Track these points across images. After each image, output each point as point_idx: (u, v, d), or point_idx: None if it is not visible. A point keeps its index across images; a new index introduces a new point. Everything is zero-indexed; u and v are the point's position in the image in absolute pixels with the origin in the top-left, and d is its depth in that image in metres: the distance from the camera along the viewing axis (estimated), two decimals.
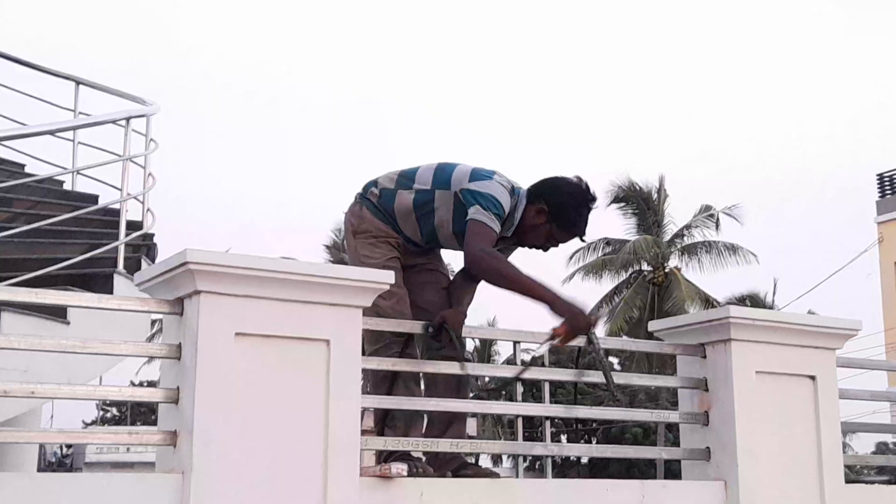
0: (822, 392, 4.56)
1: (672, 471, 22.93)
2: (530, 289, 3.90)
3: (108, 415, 47.22)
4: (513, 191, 4.14)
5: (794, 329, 4.54)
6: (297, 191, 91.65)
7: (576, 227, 4.19)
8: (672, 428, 27.90)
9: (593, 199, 4.22)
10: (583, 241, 4.29)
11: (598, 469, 31.49)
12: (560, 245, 4.26)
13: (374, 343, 4.08)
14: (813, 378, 4.56)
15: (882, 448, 32.10)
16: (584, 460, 34.46)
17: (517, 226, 4.19)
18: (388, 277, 3.63)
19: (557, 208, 4.14)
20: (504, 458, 28.01)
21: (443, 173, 4.21)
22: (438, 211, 4.19)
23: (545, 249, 4.28)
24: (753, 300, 30.30)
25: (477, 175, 4.13)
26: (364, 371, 3.65)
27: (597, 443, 31.81)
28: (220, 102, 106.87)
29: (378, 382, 4.12)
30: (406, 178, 4.26)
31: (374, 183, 4.33)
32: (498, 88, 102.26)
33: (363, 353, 3.71)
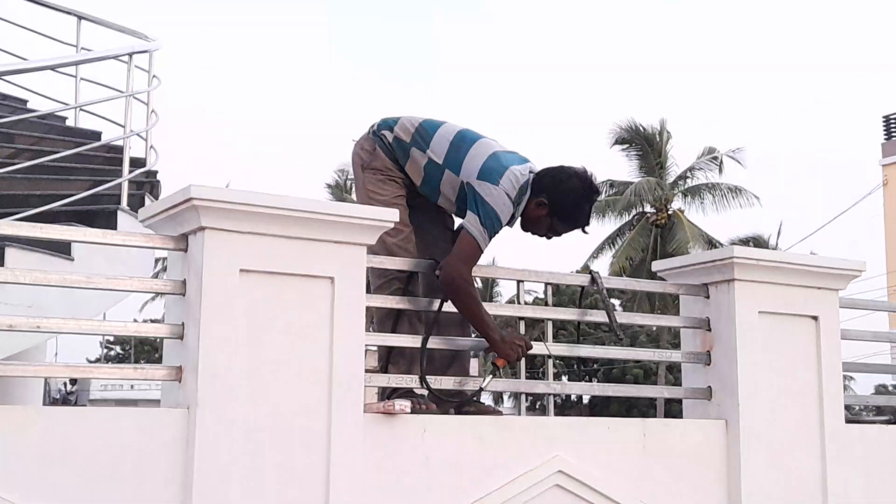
0: (825, 332, 4.58)
1: (672, 413, 23.11)
2: (485, 326, 4.07)
3: (112, 353, 47.52)
4: (521, 190, 4.08)
5: (798, 269, 4.54)
6: (299, 130, 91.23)
7: (576, 221, 4.22)
8: (673, 370, 28.10)
9: (596, 192, 4.23)
10: (585, 232, 4.27)
11: (599, 409, 31.75)
12: (562, 235, 4.27)
13: (379, 278, 4.09)
14: (815, 318, 4.58)
15: (881, 389, 32.31)
16: (585, 400, 34.75)
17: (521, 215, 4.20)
18: (392, 216, 3.63)
19: (558, 203, 4.14)
20: (505, 396, 28.25)
21: (457, 152, 4.13)
22: (443, 188, 4.19)
23: (547, 238, 4.29)
24: (757, 242, 30.31)
25: (487, 172, 4.04)
26: (368, 308, 3.66)
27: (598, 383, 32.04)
28: (224, 37, 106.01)
29: (382, 319, 4.14)
30: (422, 138, 4.19)
31: (390, 126, 4.26)
32: (504, 32, 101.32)
33: (368, 289, 3.71)
